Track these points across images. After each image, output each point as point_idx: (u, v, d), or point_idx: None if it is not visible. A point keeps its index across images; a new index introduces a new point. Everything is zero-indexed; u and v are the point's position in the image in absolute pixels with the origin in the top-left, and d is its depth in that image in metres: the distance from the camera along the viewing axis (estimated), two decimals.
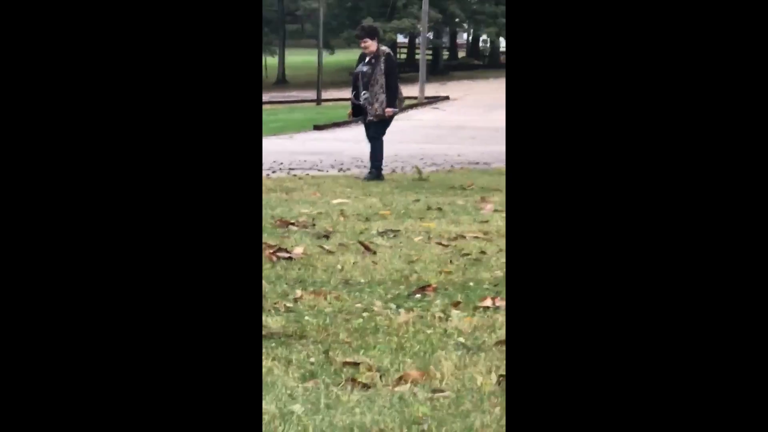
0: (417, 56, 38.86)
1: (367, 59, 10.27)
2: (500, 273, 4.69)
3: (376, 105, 10.19)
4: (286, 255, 5.07)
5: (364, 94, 10.23)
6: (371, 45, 10.22)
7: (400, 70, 11.55)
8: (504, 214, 5.90)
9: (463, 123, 21.23)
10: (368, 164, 10.67)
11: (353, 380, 3.00)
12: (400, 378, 3.05)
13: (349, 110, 10.89)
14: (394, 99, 10.29)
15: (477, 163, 13.09)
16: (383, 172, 10.50)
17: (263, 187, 8.83)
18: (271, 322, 3.71)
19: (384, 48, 10.57)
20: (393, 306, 4.03)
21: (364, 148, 11.14)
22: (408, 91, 18.17)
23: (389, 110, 10.27)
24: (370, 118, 10.28)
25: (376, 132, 10.40)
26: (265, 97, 32.50)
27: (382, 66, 10.20)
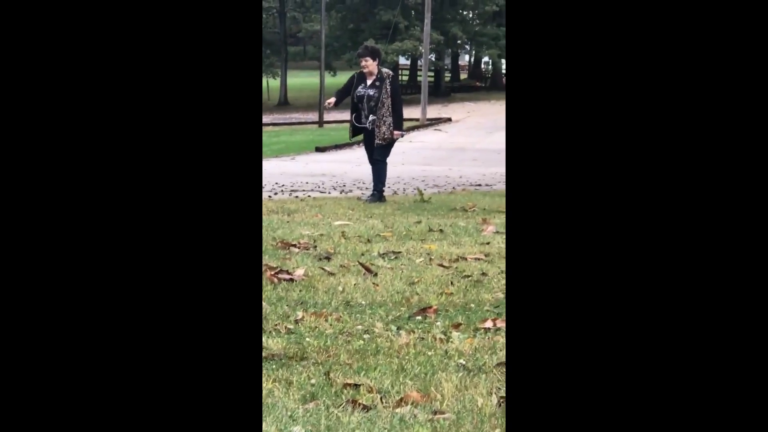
0: (419, 78, 38.98)
1: (370, 82, 10.25)
2: (501, 294, 4.70)
3: (384, 128, 10.17)
4: (288, 277, 5.08)
5: (370, 117, 10.22)
6: (371, 65, 10.20)
7: (402, 92, 11.55)
8: (505, 236, 5.90)
9: (465, 145, 21.27)
10: (370, 186, 10.66)
11: (354, 402, 3.00)
12: (401, 399, 3.06)
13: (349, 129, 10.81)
14: (400, 121, 10.31)
15: (479, 185, 13.10)
16: (385, 194, 10.50)
17: (265, 209, 8.84)
18: (272, 343, 3.71)
19: (387, 70, 10.56)
20: (394, 327, 4.03)
21: (366, 169, 11.12)
22: (410, 112, 18.22)
23: (397, 132, 10.28)
24: (378, 141, 10.25)
25: (380, 155, 10.36)
26: (267, 118, 32.57)
27: (388, 88, 10.20)
